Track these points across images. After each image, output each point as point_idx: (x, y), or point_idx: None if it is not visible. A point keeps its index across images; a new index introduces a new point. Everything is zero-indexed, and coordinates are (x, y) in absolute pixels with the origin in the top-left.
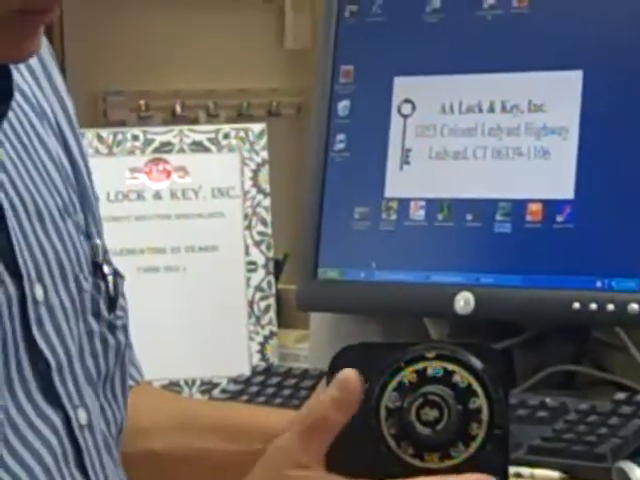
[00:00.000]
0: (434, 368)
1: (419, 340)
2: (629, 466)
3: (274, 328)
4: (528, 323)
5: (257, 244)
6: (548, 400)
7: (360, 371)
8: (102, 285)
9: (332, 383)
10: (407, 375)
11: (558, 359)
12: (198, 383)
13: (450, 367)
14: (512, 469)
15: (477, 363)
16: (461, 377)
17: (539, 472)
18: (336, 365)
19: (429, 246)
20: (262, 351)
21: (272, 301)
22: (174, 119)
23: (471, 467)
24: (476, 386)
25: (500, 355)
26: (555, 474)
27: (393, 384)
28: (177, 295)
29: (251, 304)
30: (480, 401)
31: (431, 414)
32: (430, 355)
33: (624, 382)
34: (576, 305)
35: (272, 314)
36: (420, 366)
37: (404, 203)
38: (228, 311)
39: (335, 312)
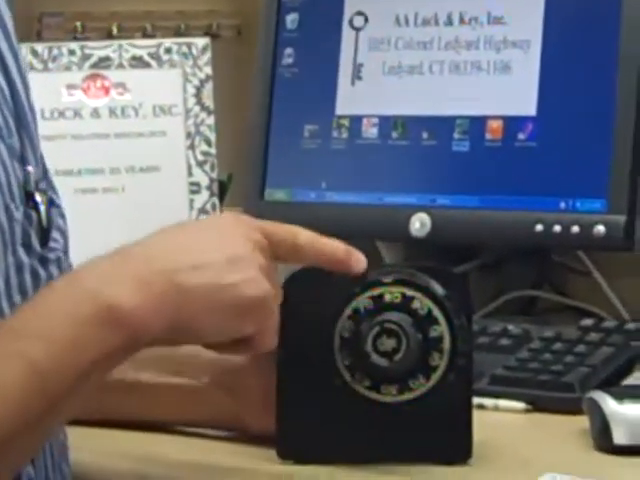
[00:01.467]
0: (392, 294)
1: (373, 265)
2: (601, 396)
3: None
4: (487, 246)
5: (200, 164)
6: (510, 327)
7: (312, 297)
8: (34, 215)
9: None
10: (363, 301)
11: (517, 284)
12: None
13: (409, 293)
14: (474, 400)
15: (438, 288)
16: (421, 303)
17: (503, 403)
18: (287, 291)
19: (383, 166)
20: None
21: None
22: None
23: (432, 399)
24: (437, 313)
25: (461, 280)
26: (520, 405)
27: (347, 311)
28: (116, 218)
29: None
30: (441, 329)
31: (388, 343)
32: (387, 280)
33: (588, 308)
34: (539, 227)
35: None
36: (377, 292)
37: (356, 120)
38: None
39: None
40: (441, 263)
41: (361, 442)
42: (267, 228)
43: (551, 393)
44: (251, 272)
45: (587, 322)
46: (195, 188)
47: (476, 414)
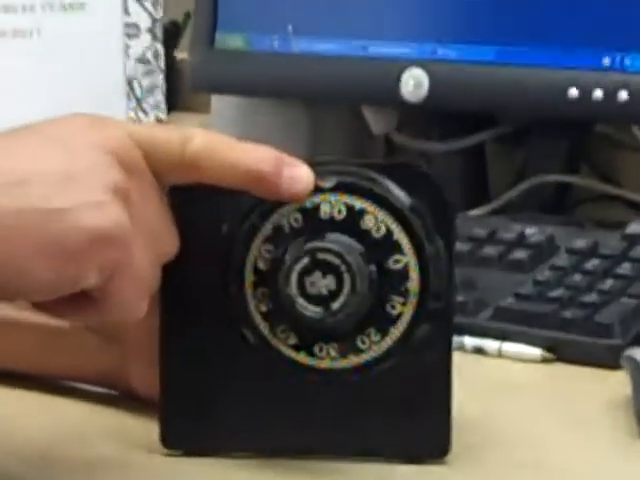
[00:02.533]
0: (332, 206)
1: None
2: None
3: (162, 114)
4: (503, 114)
5: (139, 0)
6: (529, 231)
7: (210, 210)
8: None
9: None
10: (288, 215)
11: (545, 166)
12: None
13: (358, 204)
14: (471, 341)
15: (402, 197)
16: (375, 220)
17: (510, 348)
18: (171, 201)
19: (367, 6)
20: None
21: (160, 78)
22: None
23: (392, 365)
24: (400, 235)
25: (438, 182)
26: (535, 351)
27: (265, 230)
28: (30, 69)
29: (131, 82)
30: (406, 259)
31: (323, 283)
32: (326, 184)
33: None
34: (573, 92)
35: (159, 95)
36: (310, 202)
37: None
38: (100, 91)
39: (239, 94)
40: (444, 133)
41: (282, 427)
42: (142, 134)
43: (579, 337)
44: (95, 194)
45: (636, 228)
46: (132, 31)
47: (470, 366)
